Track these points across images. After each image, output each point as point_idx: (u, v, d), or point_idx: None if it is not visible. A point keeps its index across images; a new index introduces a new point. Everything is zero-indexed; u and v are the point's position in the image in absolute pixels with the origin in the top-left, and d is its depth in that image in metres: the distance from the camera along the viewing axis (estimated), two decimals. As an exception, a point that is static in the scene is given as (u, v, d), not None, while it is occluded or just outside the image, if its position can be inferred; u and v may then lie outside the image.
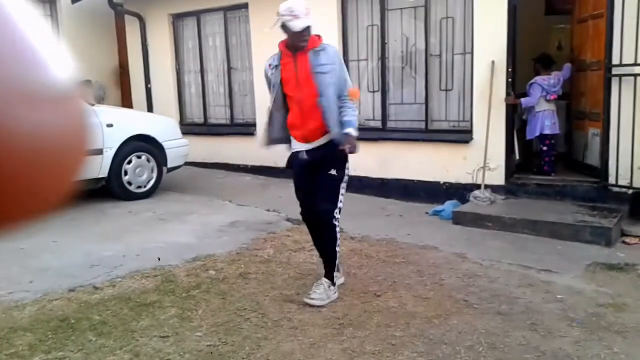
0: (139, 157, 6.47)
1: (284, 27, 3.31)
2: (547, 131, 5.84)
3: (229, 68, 8.40)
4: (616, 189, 5.15)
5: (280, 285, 3.84)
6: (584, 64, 5.86)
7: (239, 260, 4.32)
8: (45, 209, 0.40)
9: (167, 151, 6.74)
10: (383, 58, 6.58)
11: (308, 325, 3.24)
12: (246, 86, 8.23)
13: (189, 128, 8.54)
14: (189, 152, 7.16)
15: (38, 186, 0.38)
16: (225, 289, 3.78)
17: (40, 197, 0.39)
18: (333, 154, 3.36)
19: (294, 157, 3.57)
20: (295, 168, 3.58)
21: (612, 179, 5.16)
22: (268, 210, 5.84)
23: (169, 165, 6.83)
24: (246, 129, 8.16)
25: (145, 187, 6.56)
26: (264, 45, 7.76)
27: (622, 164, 5.05)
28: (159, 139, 6.68)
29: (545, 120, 5.85)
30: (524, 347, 2.91)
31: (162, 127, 6.94)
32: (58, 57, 0.40)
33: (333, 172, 3.42)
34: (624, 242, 4.56)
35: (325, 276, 3.57)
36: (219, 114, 8.69)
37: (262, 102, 7.85)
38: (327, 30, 6.74)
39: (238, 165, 8.21)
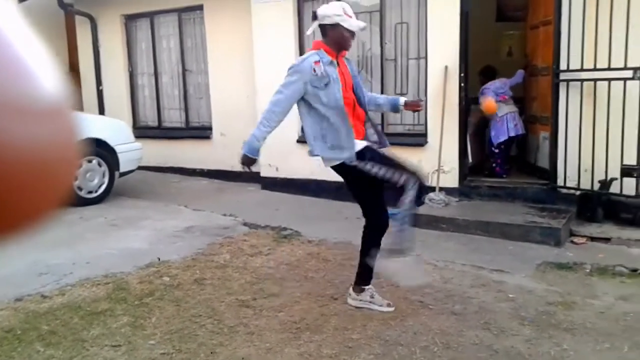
0: (89, 161, 6.28)
1: (331, 27, 3.26)
2: (512, 133, 6.04)
3: (184, 70, 8.28)
4: (564, 191, 5.32)
5: (237, 290, 3.79)
6: (535, 69, 6.05)
7: (194, 266, 4.25)
8: (35, 221, 0.39)
9: (119, 155, 6.57)
10: (339, 62, 6.60)
11: (265, 330, 3.21)
12: (202, 89, 8.13)
13: (142, 131, 8.36)
14: (143, 156, 7.00)
15: (28, 199, 0.38)
16: (179, 296, 3.70)
17: (30, 210, 0.39)
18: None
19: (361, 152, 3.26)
20: (374, 152, 3.29)
21: (560, 181, 5.33)
22: (224, 215, 5.76)
23: (121, 169, 6.65)
24: (202, 132, 8.07)
25: (96, 192, 6.37)
26: (220, 48, 7.74)
27: (570, 166, 5.23)
28: (111, 142, 6.50)
29: (509, 123, 6.03)
30: (478, 346, 2.96)
31: (114, 130, 6.76)
32: (47, 68, 0.39)
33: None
34: (572, 242, 4.71)
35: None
36: (173, 117, 8.55)
37: (219, 105, 7.82)
38: (284, 32, 6.76)
39: (194, 170, 8.10)
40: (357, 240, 4.66)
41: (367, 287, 3.47)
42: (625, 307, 3.39)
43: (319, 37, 3.42)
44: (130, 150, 6.77)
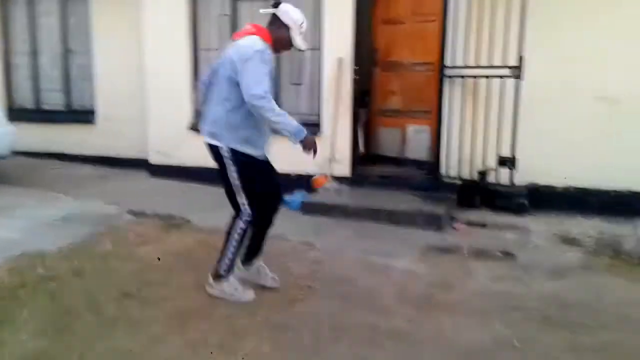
0: (-46, 144, 5.69)
1: (284, 27, 3.27)
2: None
3: (66, 50, 7.72)
4: (447, 180, 5.62)
5: (120, 281, 3.60)
6: (394, 64, 6.16)
7: (72, 256, 3.97)
8: None
9: (-11, 139, 6.01)
10: (234, 48, 6.49)
11: (149, 321, 3.08)
12: (85, 70, 7.62)
13: (18, 114, 7.71)
14: (18, 140, 6.44)
15: None
16: (55, 288, 3.45)
17: None
18: None
19: (252, 160, 3.30)
20: (257, 168, 3.33)
21: (443, 170, 5.62)
22: (108, 203, 5.45)
23: (-8, 154, 6.09)
24: (85, 116, 7.60)
25: (-38, 178, 5.78)
26: (106, 27, 7.30)
27: (451, 156, 5.53)
28: (-21, 125, 5.94)
29: None
30: (363, 326, 3.04)
31: (-17, 112, 6.17)
32: None
33: None
34: (453, 227, 4.99)
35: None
36: (53, 100, 7.95)
37: (103, 88, 7.38)
38: (175, 12, 6.53)
39: (76, 156, 7.61)
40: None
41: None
42: (497, 287, 3.64)
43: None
44: (2, 134, 6.21)
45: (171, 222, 4.89)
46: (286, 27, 3.28)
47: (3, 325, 2.97)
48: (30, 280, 3.52)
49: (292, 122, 3.14)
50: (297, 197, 5.69)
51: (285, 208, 5.56)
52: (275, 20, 3.31)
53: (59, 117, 7.78)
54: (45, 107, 7.99)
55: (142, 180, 6.79)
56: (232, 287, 3.38)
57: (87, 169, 7.25)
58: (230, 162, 3.24)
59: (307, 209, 5.41)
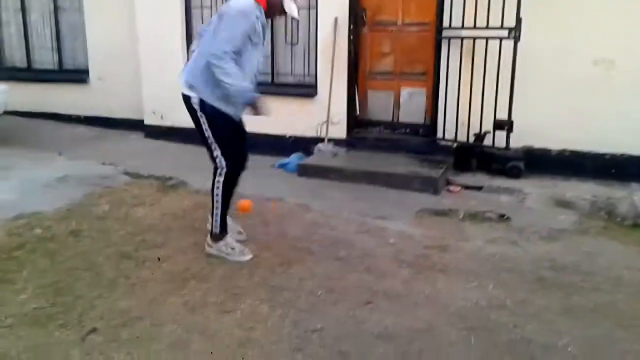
0: (-56, 104, 5.61)
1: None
2: None
3: (56, 7, 7.54)
4: (443, 143, 5.62)
5: (117, 242, 3.62)
6: (385, 24, 5.88)
7: (69, 217, 3.98)
8: None
9: (-20, 98, 5.93)
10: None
11: (148, 281, 3.11)
12: (76, 28, 7.46)
13: (9, 73, 7.64)
14: (9, 100, 6.35)
15: None
16: (53, 249, 3.47)
17: None
18: None
19: (224, 117, 3.29)
20: (228, 124, 3.32)
21: (440, 134, 5.61)
22: (103, 164, 5.44)
23: (-16, 114, 6.02)
24: (78, 75, 7.48)
25: (-46, 138, 5.73)
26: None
27: (448, 119, 5.51)
28: (-30, 84, 5.85)
29: None
30: (359, 288, 3.09)
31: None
32: None
33: None
34: (448, 190, 5.01)
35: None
36: (45, 59, 7.81)
37: (96, 46, 7.24)
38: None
39: (69, 116, 7.53)
40: (247, 190, 4.64)
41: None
42: (492, 249, 3.69)
43: None
44: (-6, 94, 6.13)
45: (167, 183, 4.89)
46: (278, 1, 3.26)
47: (3, 285, 3.00)
48: (29, 241, 3.54)
49: (242, 84, 3.13)
50: (293, 159, 5.69)
51: (281, 170, 5.61)
52: None
53: (51, 76, 7.65)
54: (37, 66, 7.85)
55: (137, 141, 6.75)
56: (229, 247, 3.42)
57: (81, 130, 7.20)
58: (201, 113, 3.25)
59: (303, 171, 5.40)
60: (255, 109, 3.21)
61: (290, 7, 3.28)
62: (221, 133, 3.29)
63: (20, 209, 4.06)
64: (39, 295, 2.91)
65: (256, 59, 3.27)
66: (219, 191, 3.35)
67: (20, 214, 3.98)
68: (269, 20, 3.42)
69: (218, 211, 3.39)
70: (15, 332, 2.58)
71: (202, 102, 3.22)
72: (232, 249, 3.43)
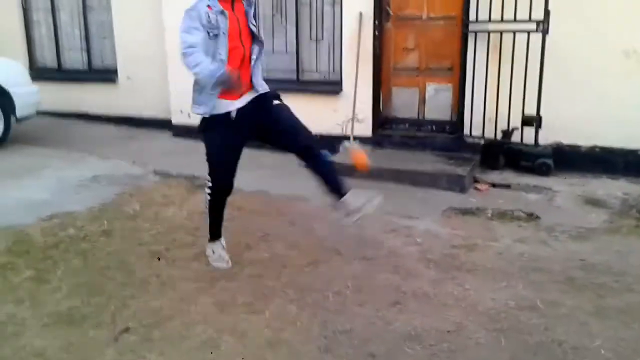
0: (-19, 105, 5.78)
1: None
2: None
3: (85, 7, 7.68)
4: (470, 140, 5.56)
5: (148, 241, 3.69)
6: (410, 19, 5.79)
7: (101, 217, 4.07)
8: None
9: (14, 99, 6.07)
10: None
11: (178, 280, 3.17)
12: (105, 28, 7.60)
13: (40, 73, 7.79)
14: (41, 100, 6.51)
15: None
16: (86, 248, 3.56)
17: None
18: (267, 97, 3.17)
19: (217, 119, 3.06)
20: (223, 131, 3.09)
21: (466, 130, 5.56)
22: (133, 164, 5.53)
23: (18, 114, 6.16)
24: (107, 75, 7.61)
25: (-9, 138, 5.90)
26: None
27: (474, 116, 5.45)
28: (5, 85, 5.99)
29: None
30: (387, 288, 3.09)
31: (7, 71, 6.22)
32: None
33: (281, 102, 3.23)
34: (475, 188, 4.97)
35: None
36: (75, 59, 7.97)
37: (124, 46, 7.35)
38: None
39: (99, 116, 7.67)
40: (274, 190, 4.69)
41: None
42: (521, 249, 3.65)
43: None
44: (28, 94, 6.29)
45: (195, 183, 4.95)
46: None
47: (39, 284, 3.09)
48: (63, 241, 3.64)
49: (209, 67, 2.89)
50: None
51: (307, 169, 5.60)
52: None
53: (80, 76, 7.82)
54: (67, 66, 8.02)
55: (165, 140, 6.85)
56: (211, 250, 3.41)
57: (111, 129, 7.32)
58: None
59: (329, 169, 5.40)
60: (227, 83, 2.93)
61: None
62: (210, 152, 3.17)
63: (53, 208, 4.17)
64: (73, 295, 2.98)
65: (224, 49, 2.97)
66: (207, 203, 3.31)
67: (54, 213, 4.08)
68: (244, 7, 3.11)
69: (207, 220, 3.36)
70: (52, 331, 2.66)
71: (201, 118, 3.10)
72: (213, 252, 3.39)
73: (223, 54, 2.97)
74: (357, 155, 3.59)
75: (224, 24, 2.96)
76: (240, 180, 3.34)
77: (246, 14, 3.11)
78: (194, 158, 5.96)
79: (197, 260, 3.42)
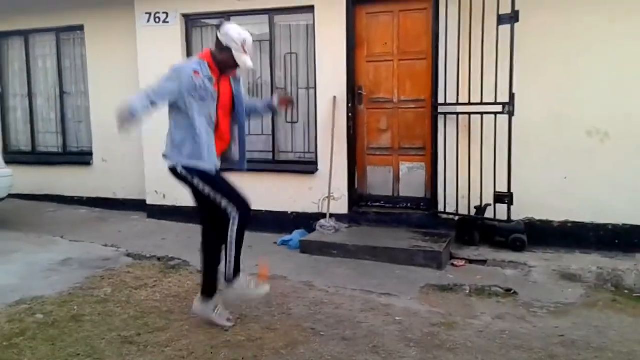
0: (-50, 188, 5.68)
1: (224, 48, 3.31)
2: None
3: (62, 93, 7.80)
4: (444, 216, 5.64)
5: (119, 326, 3.55)
6: (381, 101, 6.01)
7: (71, 301, 3.93)
8: None
9: (-14, 182, 6.01)
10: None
11: (150, 367, 3.03)
12: (81, 112, 7.71)
13: (14, 157, 7.77)
14: (14, 183, 6.44)
15: None
16: (55, 334, 3.40)
17: None
18: None
19: (206, 173, 3.36)
20: (215, 176, 3.40)
21: (441, 207, 5.64)
22: (105, 246, 5.43)
23: (-11, 197, 6.08)
24: (81, 157, 7.63)
25: (-42, 222, 5.75)
26: (102, 69, 7.37)
27: (448, 193, 5.56)
28: (-24, 168, 5.94)
29: None
30: (368, 370, 3.00)
31: (-20, 155, 6.18)
32: None
33: None
34: (452, 264, 4.98)
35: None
36: (49, 142, 8.00)
37: (100, 129, 7.42)
38: (171, 56, 6.58)
39: (72, 198, 7.60)
40: (249, 269, 4.59)
41: (212, 299, 3.53)
42: (501, 326, 3.62)
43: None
44: (0, 177, 6.22)
45: (169, 264, 4.87)
46: (228, 49, 3.31)
47: (1, 375, 2.92)
48: (30, 327, 3.48)
49: (140, 102, 3.29)
50: (295, 235, 5.69)
51: (284, 247, 5.59)
52: (218, 43, 3.37)
53: (55, 159, 7.81)
54: (42, 149, 8.02)
55: (139, 221, 6.77)
56: (247, 280, 3.53)
57: (84, 211, 7.24)
58: (190, 176, 3.35)
59: (306, 248, 5.39)
60: (121, 117, 3.24)
61: (243, 60, 3.31)
62: (218, 183, 3.37)
63: (21, 293, 4.03)
64: (38, 385, 2.83)
65: (207, 112, 3.32)
66: (232, 240, 3.38)
67: (22, 298, 3.94)
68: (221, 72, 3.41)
69: (233, 255, 3.41)
70: None
71: (186, 168, 3.32)
72: (251, 281, 3.50)
73: (213, 114, 3.33)
74: (263, 268, 3.93)
75: (211, 89, 3.29)
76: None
77: (234, 89, 3.47)
78: (168, 239, 5.93)
79: (169, 346, 3.28)
